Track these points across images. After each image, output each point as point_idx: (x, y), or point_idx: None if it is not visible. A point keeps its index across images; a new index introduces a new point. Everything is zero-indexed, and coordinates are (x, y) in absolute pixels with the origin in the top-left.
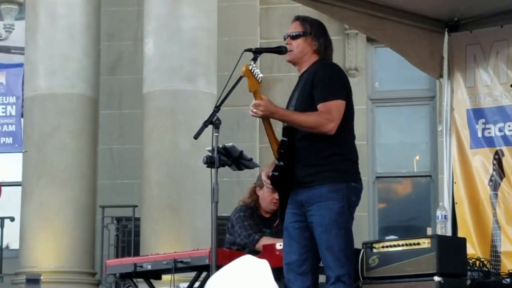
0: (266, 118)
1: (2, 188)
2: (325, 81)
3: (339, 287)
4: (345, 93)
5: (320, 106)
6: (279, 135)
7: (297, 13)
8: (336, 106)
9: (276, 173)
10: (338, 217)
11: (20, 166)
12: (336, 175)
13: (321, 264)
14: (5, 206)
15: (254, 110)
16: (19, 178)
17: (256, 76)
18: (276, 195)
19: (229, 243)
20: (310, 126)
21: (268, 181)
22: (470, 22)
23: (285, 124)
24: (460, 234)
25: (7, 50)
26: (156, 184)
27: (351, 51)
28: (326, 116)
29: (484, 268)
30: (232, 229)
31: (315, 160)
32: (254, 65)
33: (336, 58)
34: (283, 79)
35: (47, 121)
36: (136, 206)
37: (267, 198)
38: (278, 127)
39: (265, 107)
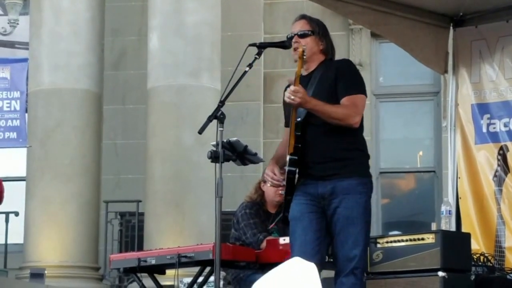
0: (296, 107)
1: (6, 183)
2: (351, 76)
3: (350, 280)
4: (365, 89)
5: (345, 99)
6: (277, 133)
7: (301, 8)
8: (361, 101)
9: (294, 168)
10: (364, 211)
11: (24, 161)
12: (361, 169)
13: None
14: (10, 201)
15: (292, 97)
16: (23, 173)
17: (304, 60)
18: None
19: (234, 238)
20: (339, 118)
21: (276, 177)
22: (476, 17)
23: (298, 119)
24: (464, 229)
25: (11, 45)
26: (160, 179)
27: (356, 46)
28: (353, 109)
29: (489, 263)
30: (237, 225)
31: (340, 153)
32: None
33: (341, 54)
34: (287, 74)
35: (51, 116)
36: (140, 201)
37: (271, 190)
38: (281, 123)
39: (302, 94)
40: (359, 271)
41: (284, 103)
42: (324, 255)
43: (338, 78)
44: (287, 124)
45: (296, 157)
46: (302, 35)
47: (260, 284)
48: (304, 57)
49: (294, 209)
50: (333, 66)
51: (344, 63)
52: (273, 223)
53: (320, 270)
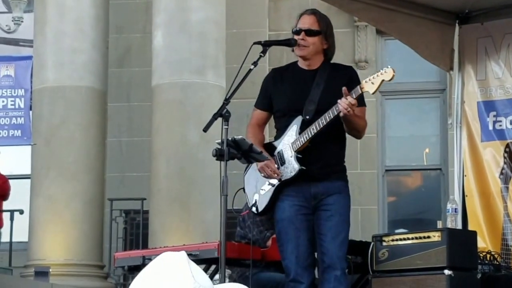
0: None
1: (11, 181)
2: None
3: (343, 278)
4: None
5: (360, 110)
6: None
7: (306, 5)
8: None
9: (304, 168)
10: (349, 212)
11: (28, 159)
12: (345, 175)
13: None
14: (14, 199)
15: (349, 109)
16: (27, 171)
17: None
18: None
19: (239, 237)
20: (360, 130)
21: (278, 171)
22: (481, 14)
23: (307, 117)
24: (470, 227)
25: (16, 42)
26: (164, 177)
27: (361, 44)
28: (365, 121)
29: (495, 261)
30: (243, 223)
31: (334, 159)
32: None
33: (346, 51)
34: None
35: (56, 114)
36: (145, 199)
37: None
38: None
39: (355, 107)
40: (345, 270)
41: (268, 86)
42: (314, 255)
43: (351, 87)
44: (261, 106)
45: (301, 156)
46: (311, 33)
47: (134, 284)
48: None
49: (287, 210)
50: (342, 71)
51: (354, 72)
52: (246, 211)
53: (314, 270)
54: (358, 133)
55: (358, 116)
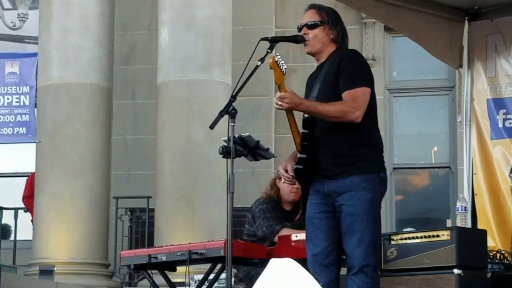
0: (290, 111)
1: (15, 179)
2: (350, 68)
3: (361, 278)
4: (369, 80)
5: (345, 94)
6: (289, 128)
7: (312, 2)
8: (362, 93)
9: (301, 166)
10: (369, 207)
11: (33, 157)
12: (367, 166)
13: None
14: (18, 197)
15: (280, 103)
16: (32, 169)
17: (281, 68)
18: (294, 186)
19: (247, 235)
20: (336, 115)
21: (286, 174)
22: (491, 11)
23: (305, 115)
24: (480, 226)
25: (20, 39)
26: (170, 175)
27: (369, 41)
28: (351, 104)
29: (505, 260)
30: (252, 221)
31: (344, 150)
32: (279, 56)
33: (354, 48)
34: (298, 69)
35: (61, 111)
36: (150, 197)
37: (286, 188)
38: (297, 119)
39: (290, 99)
40: (370, 269)
41: (306, 95)
42: (338, 253)
43: (340, 71)
44: None
45: (305, 156)
46: (311, 26)
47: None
48: (282, 68)
49: (307, 209)
50: (337, 58)
51: (347, 55)
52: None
53: (338, 269)
54: (335, 119)
55: (317, 104)
